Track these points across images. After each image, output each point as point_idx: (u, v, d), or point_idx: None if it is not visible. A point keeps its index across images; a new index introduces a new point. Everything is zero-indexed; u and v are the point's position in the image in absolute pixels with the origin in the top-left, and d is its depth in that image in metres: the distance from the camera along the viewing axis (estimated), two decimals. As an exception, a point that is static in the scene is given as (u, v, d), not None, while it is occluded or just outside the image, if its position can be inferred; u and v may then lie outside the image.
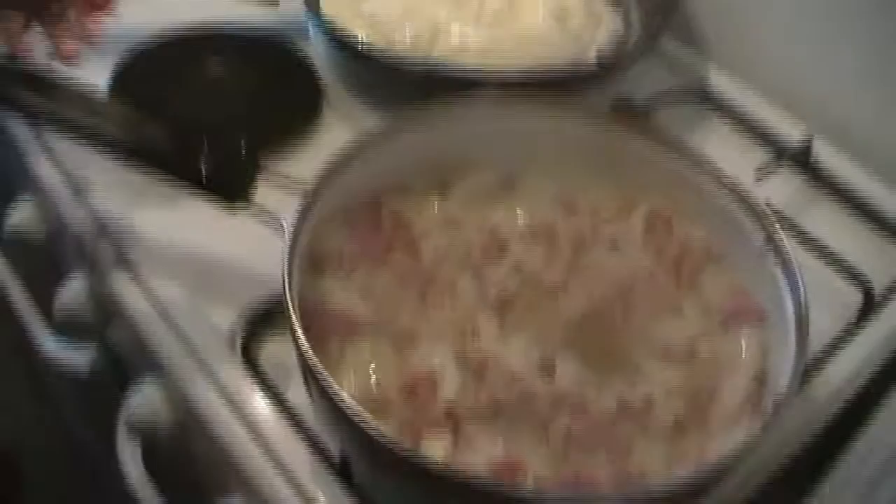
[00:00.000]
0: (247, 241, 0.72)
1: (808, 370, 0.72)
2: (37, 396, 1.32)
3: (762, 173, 0.88)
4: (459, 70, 0.87)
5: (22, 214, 0.91)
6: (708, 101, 0.99)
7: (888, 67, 0.91)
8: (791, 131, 0.95)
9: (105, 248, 0.79)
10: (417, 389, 0.64)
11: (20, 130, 0.88)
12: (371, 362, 0.66)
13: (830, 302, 0.79)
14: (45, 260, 0.91)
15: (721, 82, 1.00)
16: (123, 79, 0.90)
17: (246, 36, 0.97)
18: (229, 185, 0.69)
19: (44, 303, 0.88)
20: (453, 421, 0.63)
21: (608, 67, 0.91)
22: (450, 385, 0.65)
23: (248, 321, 0.73)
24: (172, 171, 0.69)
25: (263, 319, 0.74)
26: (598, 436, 0.63)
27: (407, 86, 0.88)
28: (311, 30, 0.96)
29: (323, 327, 0.65)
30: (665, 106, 0.95)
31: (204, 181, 0.69)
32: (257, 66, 0.94)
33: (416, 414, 0.63)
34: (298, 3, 0.93)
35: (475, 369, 0.66)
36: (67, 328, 0.87)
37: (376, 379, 0.65)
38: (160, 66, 0.93)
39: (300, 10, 0.93)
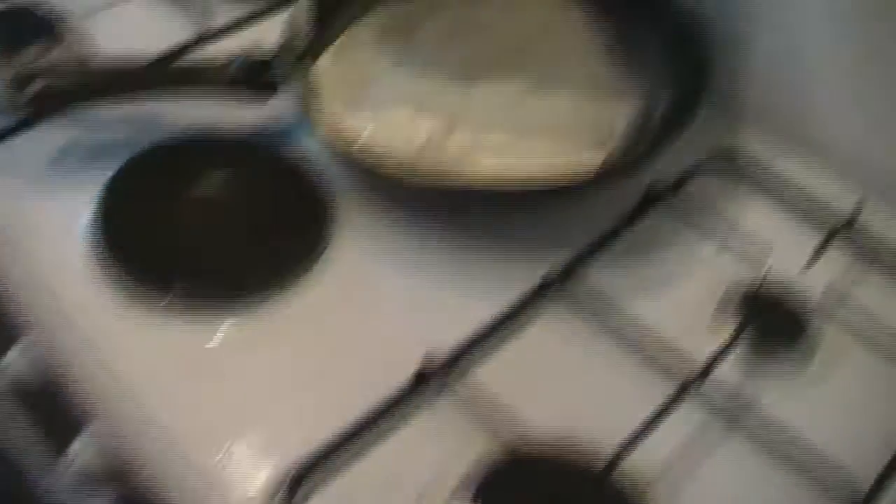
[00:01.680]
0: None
1: None
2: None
3: (815, 256, 0.82)
4: (475, 183, 0.80)
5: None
6: (746, 171, 0.91)
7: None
8: (840, 199, 0.87)
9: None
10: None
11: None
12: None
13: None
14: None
15: (758, 149, 0.92)
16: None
17: (234, 143, 0.89)
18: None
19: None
20: None
21: (632, 161, 0.83)
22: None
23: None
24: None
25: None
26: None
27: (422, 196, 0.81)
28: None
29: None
30: (701, 181, 0.88)
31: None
32: (249, 182, 0.86)
33: None
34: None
35: None
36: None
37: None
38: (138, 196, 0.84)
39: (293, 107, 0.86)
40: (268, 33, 0.89)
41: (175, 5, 1.00)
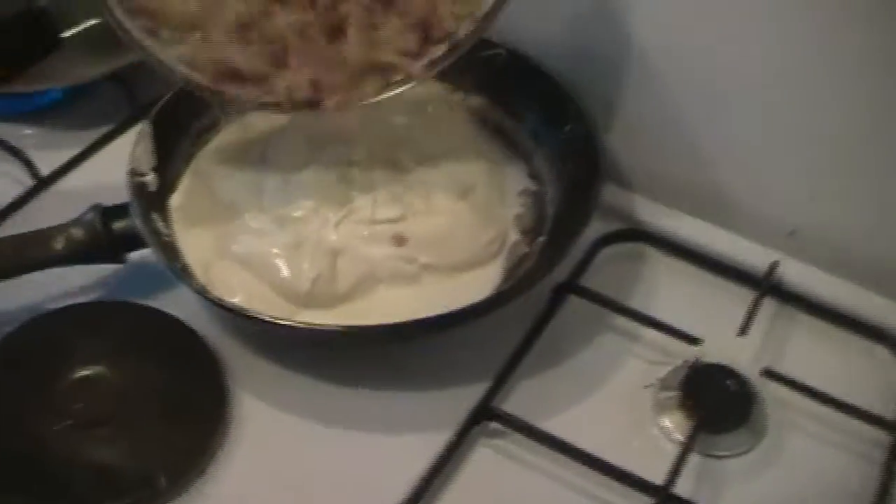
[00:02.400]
0: None
1: None
2: None
3: (748, 322, 0.78)
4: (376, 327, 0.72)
5: None
6: (652, 244, 0.86)
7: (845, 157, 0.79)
8: (754, 258, 0.83)
9: None
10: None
11: None
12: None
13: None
14: None
15: (661, 220, 0.87)
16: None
17: (97, 314, 0.79)
18: None
19: None
20: None
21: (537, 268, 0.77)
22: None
23: None
24: None
25: None
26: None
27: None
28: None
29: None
30: (609, 264, 0.83)
31: None
32: (129, 359, 0.75)
33: None
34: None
35: None
36: None
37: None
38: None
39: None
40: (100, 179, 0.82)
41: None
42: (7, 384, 0.73)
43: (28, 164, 0.89)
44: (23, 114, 0.94)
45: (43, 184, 0.88)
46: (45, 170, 0.89)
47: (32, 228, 0.76)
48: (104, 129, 0.93)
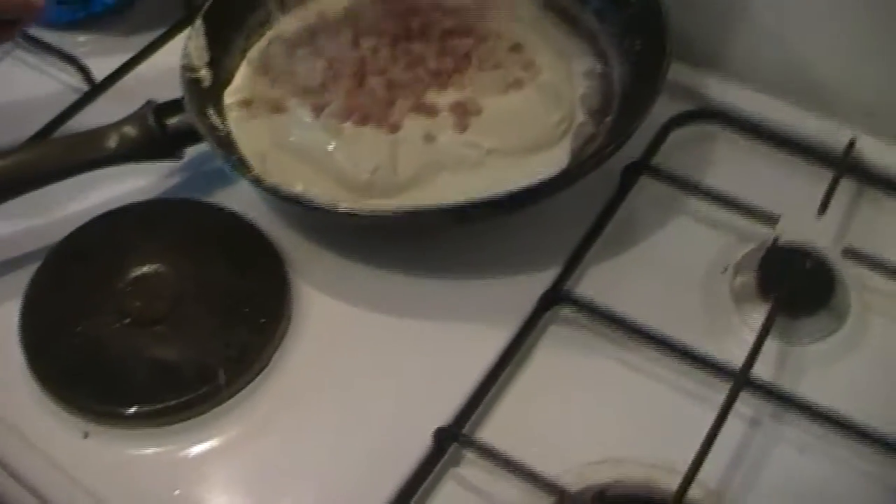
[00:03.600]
0: None
1: None
2: None
3: (826, 201, 0.74)
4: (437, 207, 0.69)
5: None
6: (723, 124, 0.82)
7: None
8: (831, 136, 0.79)
9: None
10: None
11: None
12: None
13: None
14: None
15: (734, 98, 0.82)
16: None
17: (160, 210, 0.77)
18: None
19: None
20: None
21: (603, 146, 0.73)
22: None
23: None
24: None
25: None
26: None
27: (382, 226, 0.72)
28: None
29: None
30: (678, 144, 0.79)
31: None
32: (190, 252, 0.73)
33: None
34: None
35: None
36: None
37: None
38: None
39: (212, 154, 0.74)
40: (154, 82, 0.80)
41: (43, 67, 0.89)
42: (69, 283, 0.72)
43: (83, 71, 0.87)
44: (76, 21, 0.93)
45: (99, 89, 0.87)
46: (99, 76, 0.87)
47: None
48: (158, 32, 0.91)
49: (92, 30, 0.93)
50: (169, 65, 0.78)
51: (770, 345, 0.67)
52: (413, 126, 0.74)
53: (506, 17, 0.82)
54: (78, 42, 0.91)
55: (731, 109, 0.81)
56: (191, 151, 0.76)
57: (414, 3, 0.82)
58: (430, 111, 0.75)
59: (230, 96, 0.79)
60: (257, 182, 0.71)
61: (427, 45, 0.78)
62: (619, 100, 0.77)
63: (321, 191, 0.72)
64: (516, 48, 0.79)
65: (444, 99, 0.75)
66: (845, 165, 0.77)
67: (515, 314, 0.68)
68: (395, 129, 0.74)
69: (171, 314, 0.70)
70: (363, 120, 0.74)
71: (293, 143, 0.75)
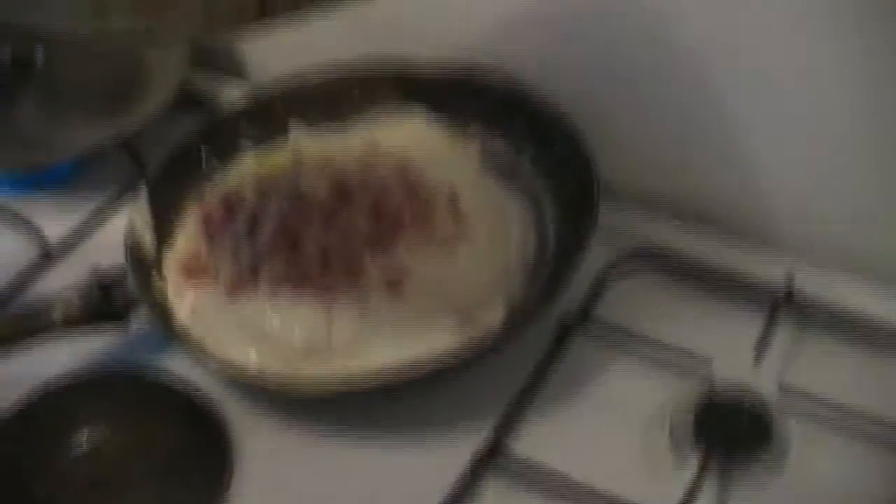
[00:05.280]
0: None
1: None
2: None
3: (763, 344, 0.74)
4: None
5: None
6: (666, 263, 0.82)
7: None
8: (770, 271, 0.79)
9: None
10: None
11: None
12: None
13: None
14: None
15: (665, 239, 0.83)
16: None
17: (98, 384, 0.78)
18: None
19: None
20: None
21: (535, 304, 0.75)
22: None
23: None
24: None
25: None
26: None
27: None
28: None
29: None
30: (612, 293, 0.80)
31: None
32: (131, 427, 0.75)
33: None
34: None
35: None
36: None
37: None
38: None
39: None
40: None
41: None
42: (11, 452, 0.73)
43: (37, 233, 0.89)
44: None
45: (51, 254, 0.88)
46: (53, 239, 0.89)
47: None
48: (109, 192, 0.93)
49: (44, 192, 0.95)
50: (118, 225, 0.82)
51: (710, 484, 0.67)
52: (346, 292, 0.75)
53: (442, 174, 0.83)
54: (31, 205, 0.93)
55: (666, 248, 0.82)
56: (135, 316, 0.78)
57: (343, 166, 0.83)
58: (364, 276, 0.76)
59: (172, 260, 0.81)
60: (194, 354, 0.72)
61: (359, 208, 0.80)
62: (552, 251, 0.79)
63: (258, 356, 0.73)
64: (452, 203, 0.80)
65: (376, 263, 0.76)
66: (782, 300, 0.77)
67: (451, 472, 0.69)
68: (329, 295, 0.75)
69: (112, 479, 0.71)
70: (297, 287, 0.75)
71: (229, 310, 0.76)
